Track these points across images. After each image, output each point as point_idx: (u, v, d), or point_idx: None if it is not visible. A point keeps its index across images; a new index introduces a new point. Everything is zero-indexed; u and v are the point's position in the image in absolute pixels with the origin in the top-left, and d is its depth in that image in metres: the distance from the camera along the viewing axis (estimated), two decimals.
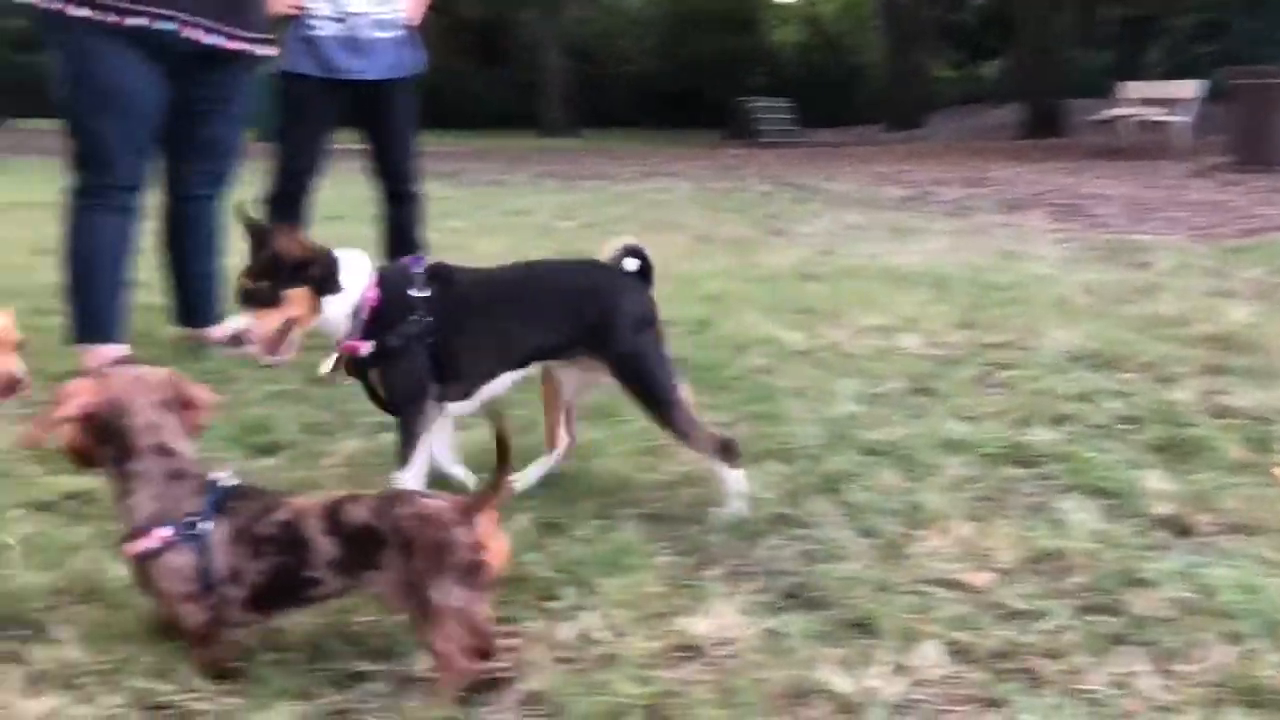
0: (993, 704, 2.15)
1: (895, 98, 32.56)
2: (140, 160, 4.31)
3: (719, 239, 9.10)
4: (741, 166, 18.33)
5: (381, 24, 5.04)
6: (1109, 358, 4.75)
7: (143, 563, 2.19)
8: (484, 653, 2.18)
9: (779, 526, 3.01)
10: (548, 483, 3.29)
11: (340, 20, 4.98)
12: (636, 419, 3.82)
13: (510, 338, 3.08)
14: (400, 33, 5.10)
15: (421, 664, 2.20)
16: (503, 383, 3.14)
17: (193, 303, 4.77)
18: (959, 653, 2.33)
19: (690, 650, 2.35)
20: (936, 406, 4.15)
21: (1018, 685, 2.20)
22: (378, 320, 2.98)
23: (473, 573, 2.11)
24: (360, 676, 2.21)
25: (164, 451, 2.21)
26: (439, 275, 3.06)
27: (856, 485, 3.26)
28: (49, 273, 6.31)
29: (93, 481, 3.14)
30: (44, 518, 2.96)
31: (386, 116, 5.15)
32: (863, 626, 2.44)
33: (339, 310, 2.98)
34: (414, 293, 2.99)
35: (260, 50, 4.42)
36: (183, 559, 2.16)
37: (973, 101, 33.20)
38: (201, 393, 2.33)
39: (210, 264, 4.77)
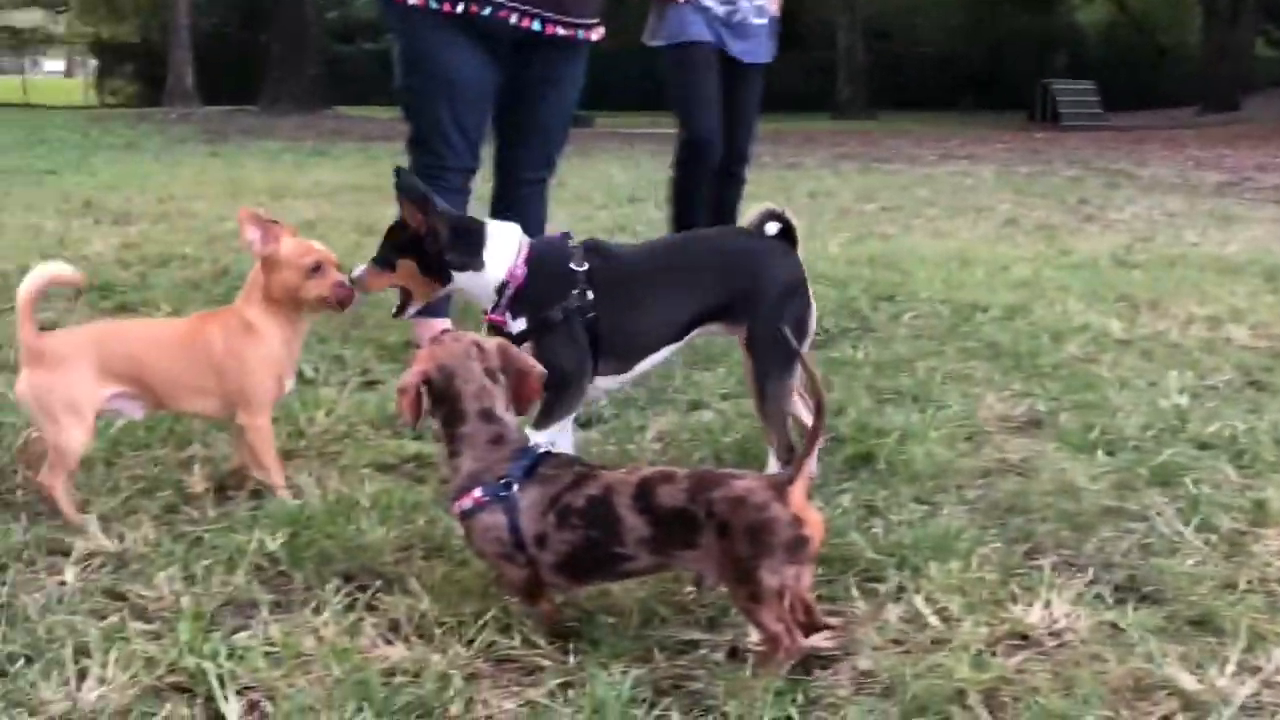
0: None
1: (1211, 78, 30.77)
2: (474, 143, 4.49)
3: (1027, 224, 8.85)
4: (1045, 150, 17.73)
5: (760, 11, 5.43)
6: None
7: (463, 520, 2.30)
8: (812, 627, 2.19)
9: (1110, 518, 2.91)
10: (853, 464, 3.29)
11: (730, 4, 5.33)
12: (954, 403, 3.77)
13: (670, 308, 3.05)
14: (769, 21, 5.50)
15: (751, 637, 2.23)
16: (661, 355, 3.13)
17: None
18: None
19: (1023, 639, 2.30)
20: (1273, 401, 3.93)
21: None
22: (526, 296, 2.97)
23: (795, 548, 2.09)
24: (693, 645, 2.26)
25: (488, 417, 2.31)
26: (596, 249, 3.06)
27: (1190, 479, 3.12)
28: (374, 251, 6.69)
29: (428, 447, 3.34)
30: (388, 478, 3.14)
31: (744, 100, 5.49)
32: (1205, 624, 2.34)
33: (478, 285, 2.99)
34: (573, 267, 2.99)
35: (588, 34, 4.53)
36: (493, 519, 2.25)
37: None
38: (531, 363, 2.42)
39: None
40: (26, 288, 2.82)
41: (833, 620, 2.37)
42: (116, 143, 15.90)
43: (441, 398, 2.33)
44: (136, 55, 38.75)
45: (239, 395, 2.97)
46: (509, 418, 2.35)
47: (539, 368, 2.43)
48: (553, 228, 7.99)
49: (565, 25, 4.44)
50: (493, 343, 2.41)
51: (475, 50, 4.35)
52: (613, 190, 10.93)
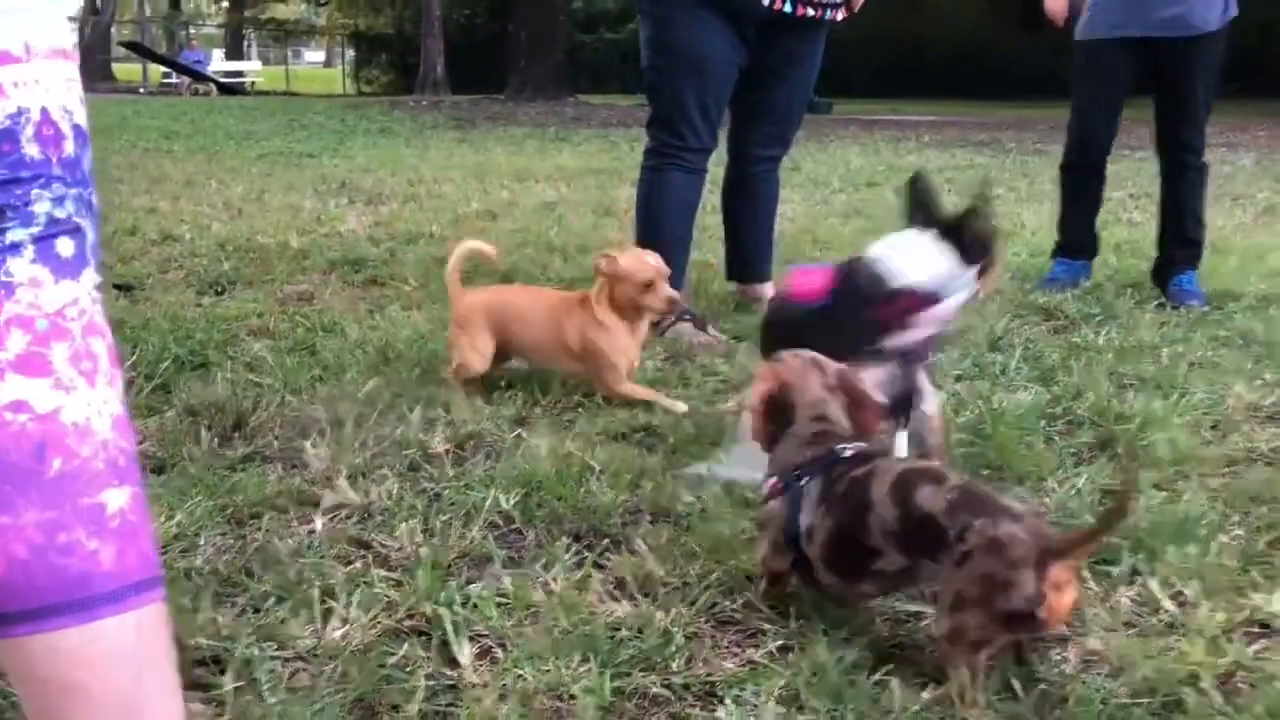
0: None
1: None
2: (714, 123, 4.53)
3: None
4: None
5: None
6: None
7: (762, 504, 2.32)
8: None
9: None
10: (1091, 448, 3.20)
11: None
12: (1200, 391, 3.63)
13: None
14: None
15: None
16: None
17: (748, 260, 4.97)
18: None
19: (1263, 627, 2.22)
20: None
21: None
22: None
23: (1019, 624, 1.90)
24: (916, 616, 2.25)
25: (820, 418, 2.29)
26: None
27: None
28: (612, 231, 6.83)
29: (659, 418, 3.40)
30: (619, 446, 3.21)
31: (1186, 76, 5.20)
32: None
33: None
34: None
35: (834, 15, 4.52)
36: (778, 507, 2.25)
37: None
38: (869, 395, 2.36)
39: (768, 224, 4.96)
40: (455, 257, 3.74)
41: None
42: (371, 128, 16.59)
43: (778, 412, 2.33)
44: (391, 45, 40.34)
45: (595, 372, 3.60)
46: (844, 421, 2.30)
47: (876, 399, 2.39)
48: (789, 209, 8.02)
49: (815, 6, 4.44)
50: (833, 365, 2.37)
51: (724, 31, 4.40)
52: (849, 175, 10.83)
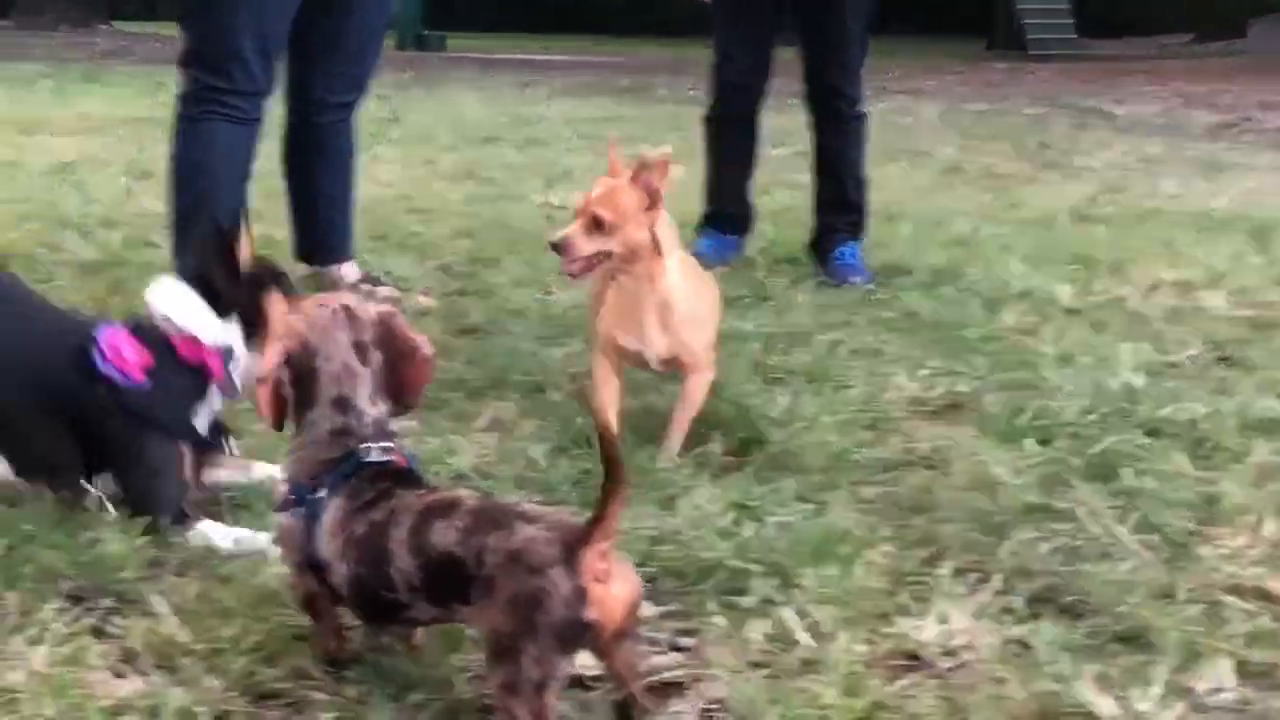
0: None
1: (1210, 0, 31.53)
2: (270, 58, 4.45)
3: (973, 172, 9.03)
4: (1007, 83, 18.08)
5: None
6: None
7: (275, 512, 2.34)
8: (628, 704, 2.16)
9: (1032, 518, 3.00)
10: (729, 456, 3.36)
11: None
12: (858, 384, 3.86)
13: None
14: None
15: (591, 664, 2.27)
16: None
17: (322, 235, 4.93)
18: (1255, 675, 2.31)
19: (912, 659, 2.38)
20: (1245, 380, 4.07)
21: None
22: None
23: (570, 635, 1.98)
24: None
25: (341, 406, 2.29)
26: None
27: (1135, 471, 3.23)
28: (151, 199, 6.63)
29: None
30: None
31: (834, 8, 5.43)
32: (1134, 640, 2.44)
33: None
34: None
35: None
36: (293, 524, 2.27)
37: None
38: (417, 342, 2.39)
39: (345, 188, 4.92)
40: None
41: (684, 641, 2.43)
42: None
43: (300, 379, 2.31)
44: None
45: None
46: (370, 409, 2.31)
47: (426, 349, 2.40)
48: (386, 170, 8.02)
49: None
50: (372, 310, 2.37)
51: None
52: (464, 128, 10.91)
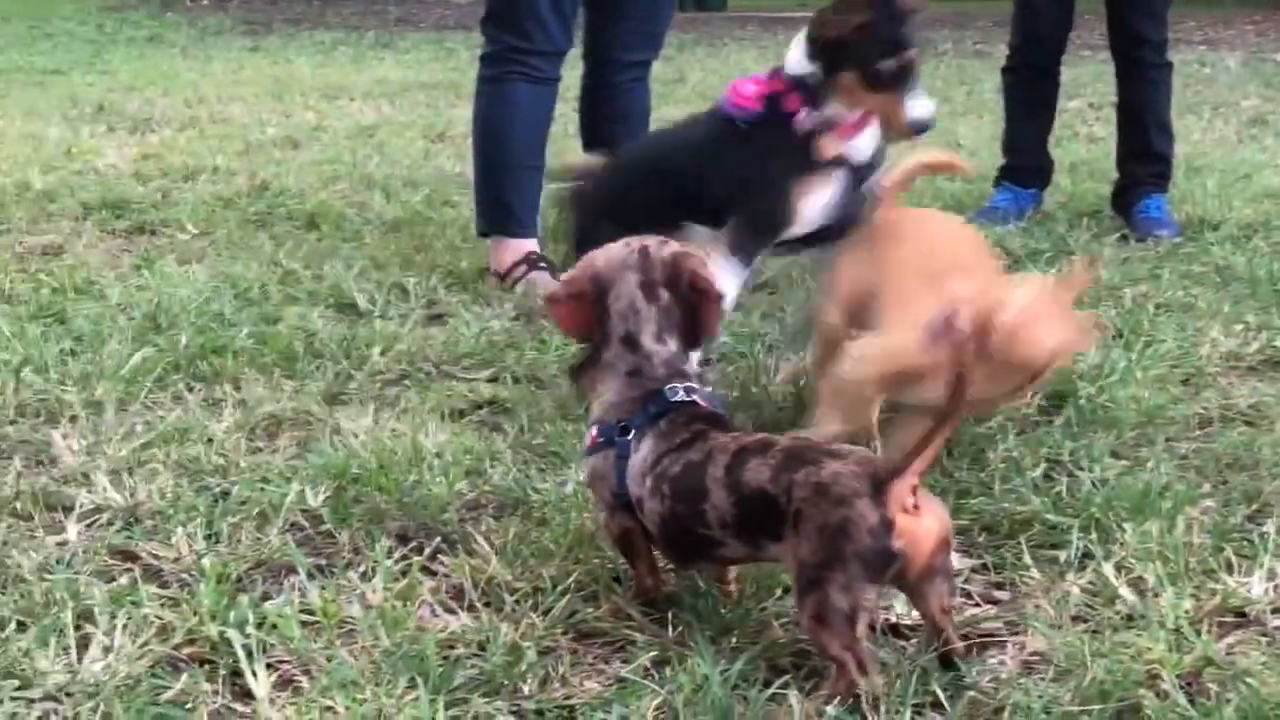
0: None
1: None
2: (568, 19, 4.53)
3: (1279, 124, 8.66)
4: None
5: None
6: None
7: (585, 457, 2.42)
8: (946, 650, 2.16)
9: None
10: (1040, 412, 3.31)
11: None
12: (1170, 338, 3.76)
13: None
14: None
15: (910, 611, 2.27)
16: None
17: None
18: None
19: (1239, 616, 2.33)
20: None
21: None
22: None
23: (879, 564, 2.02)
24: None
25: (632, 345, 2.37)
26: None
27: None
28: (448, 160, 6.81)
29: (505, 390, 3.44)
30: (456, 426, 3.23)
31: None
32: None
33: None
34: None
35: None
36: (603, 465, 2.34)
37: None
38: (710, 281, 2.44)
39: None
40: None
41: (999, 595, 2.42)
42: (136, 36, 16.26)
43: (596, 315, 2.40)
44: None
45: None
46: (660, 349, 2.37)
47: (717, 288, 2.47)
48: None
49: None
50: (666, 250, 2.43)
51: None
52: None
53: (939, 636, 2.14)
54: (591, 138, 4.96)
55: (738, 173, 3.43)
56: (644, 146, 4.22)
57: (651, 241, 2.43)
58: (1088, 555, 2.52)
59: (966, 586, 2.47)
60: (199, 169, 6.72)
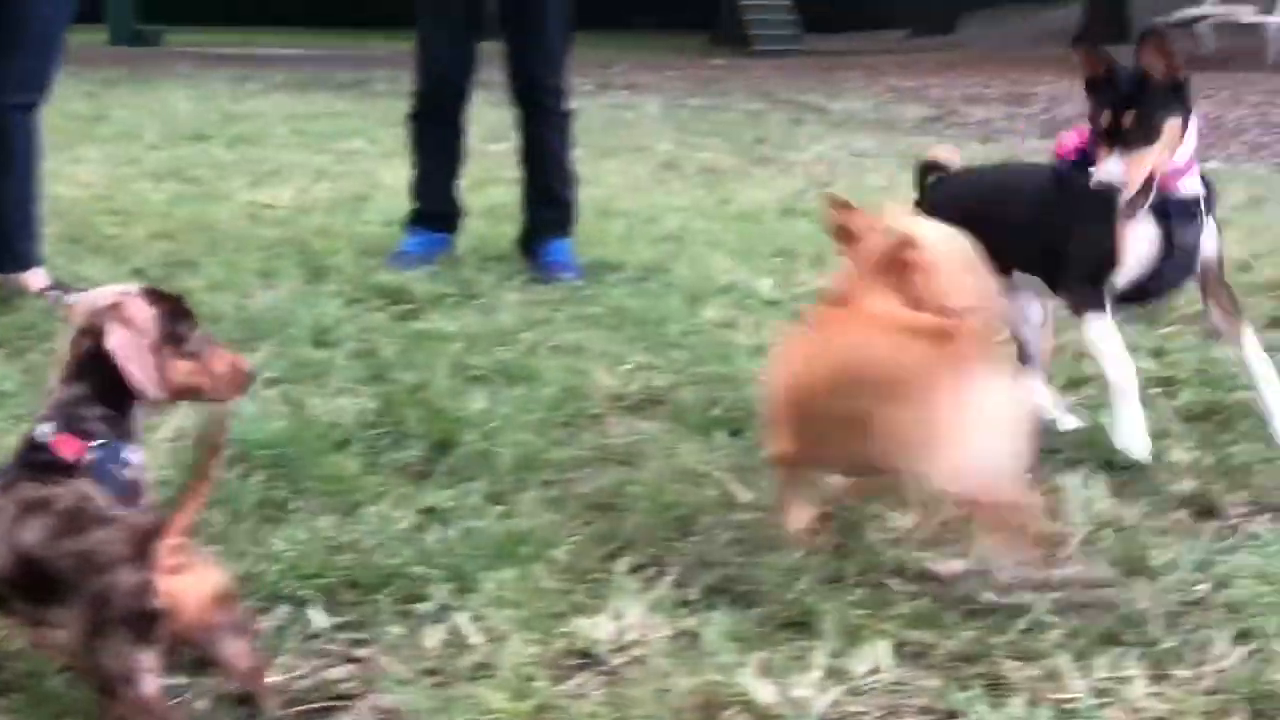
0: (948, 715, 2.22)
1: None
2: None
3: (689, 168, 9.14)
4: (726, 79, 18.33)
5: None
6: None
7: None
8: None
9: (716, 509, 3.06)
10: (426, 461, 3.35)
11: None
12: (557, 381, 3.88)
13: None
14: None
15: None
16: None
17: (3, 241, 4.75)
18: (912, 656, 2.40)
19: (583, 657, 2.40)
20: None
21: (978, 693, 2.26)
22: None
23: (142, 625, 2.00)
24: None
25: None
26: None
27: None
28: None
29: None
30: None
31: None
32: (799, 626, 2.50)
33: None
34: None
35: None
36: None
37: (1020, 0, 33.21)
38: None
39: (27, 190, 4.75)
40: None
41: (355, 653, 2.42)
42: None
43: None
44: None
45: None
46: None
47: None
48: (86, 171, 7.79)
49: None
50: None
51: None
52: (172, 126, 10.62)
53: (258, 699, 2.14)
54: None
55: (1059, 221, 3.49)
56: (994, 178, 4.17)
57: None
58: (446, 606, 2.55)
59: (328, 646, 2.44)
60: None
